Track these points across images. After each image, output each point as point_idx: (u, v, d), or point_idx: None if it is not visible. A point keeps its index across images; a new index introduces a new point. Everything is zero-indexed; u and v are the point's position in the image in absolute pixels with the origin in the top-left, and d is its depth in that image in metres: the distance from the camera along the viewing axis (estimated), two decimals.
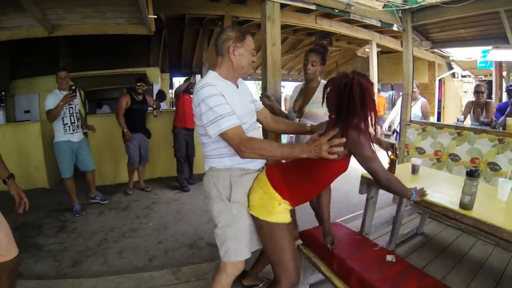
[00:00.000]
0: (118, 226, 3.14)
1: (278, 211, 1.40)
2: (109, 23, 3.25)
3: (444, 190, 1.80)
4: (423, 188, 1.67)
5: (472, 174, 1.48)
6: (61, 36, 3.66)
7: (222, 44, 1.44)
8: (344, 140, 1.23)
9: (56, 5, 2.68)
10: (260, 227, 1.44)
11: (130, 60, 6.33)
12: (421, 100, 4.30)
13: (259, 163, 1.56)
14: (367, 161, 1.31)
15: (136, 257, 2.57)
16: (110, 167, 4.53)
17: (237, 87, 1.52)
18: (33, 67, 6.04)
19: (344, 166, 1.36)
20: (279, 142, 2.61)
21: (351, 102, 1.25)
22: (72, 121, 3.30)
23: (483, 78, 7.49)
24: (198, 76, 4.62)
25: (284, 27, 6.12)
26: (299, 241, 1.86)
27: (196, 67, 8.10)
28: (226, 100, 1.33)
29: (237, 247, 1.46)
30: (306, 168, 1.38)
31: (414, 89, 4.13)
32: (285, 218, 1.43)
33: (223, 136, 1.31)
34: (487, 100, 4.16)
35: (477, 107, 4.15)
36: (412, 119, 3.88)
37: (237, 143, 1.29)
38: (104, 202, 3.72)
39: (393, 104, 10.26)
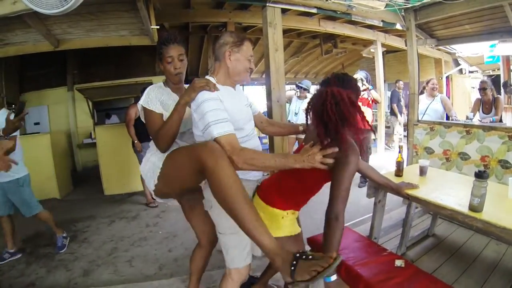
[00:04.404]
0: (128, 235, 3.17)
1: (285, 224, 1.41)
2: (113, 35, 3.29)
3: (452, 192, 1.77)
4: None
5: (481, 176, 1.45)
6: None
7: (219, 48, 1.41)
8: (336, 149, 1.20)
9: (60, 20, 2.73)
10: None
11: (137, 69, 6.43)
12: (440, 95, 4.13)
13: (259, 173, 1.55)
14: (339, 182, 1.24)
15: (146, 265, 2.59)
16: (119, 176, 4.58)
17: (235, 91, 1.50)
18: (41, 80, 6.19)
19: None
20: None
21: (332, 121, 1.20)
22: None
23: (491, 73, 7.34)
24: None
25: (288, 31, 6.13)
26: (307, 247, 1.85)
27: (202, 74, 8.16)
28: (224, 105, 1.28)
29: (241, 254, 1.46)
30: (298, 178, 1.38)
31: (433, 86, 4.10)
32: (293, 230, 1.44)
33: None
34: (496, 96, 4.05)
35: (485, 104, 4.07)
36: (431, 115, 3.89)
37: (229, 152, 1.20)
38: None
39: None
